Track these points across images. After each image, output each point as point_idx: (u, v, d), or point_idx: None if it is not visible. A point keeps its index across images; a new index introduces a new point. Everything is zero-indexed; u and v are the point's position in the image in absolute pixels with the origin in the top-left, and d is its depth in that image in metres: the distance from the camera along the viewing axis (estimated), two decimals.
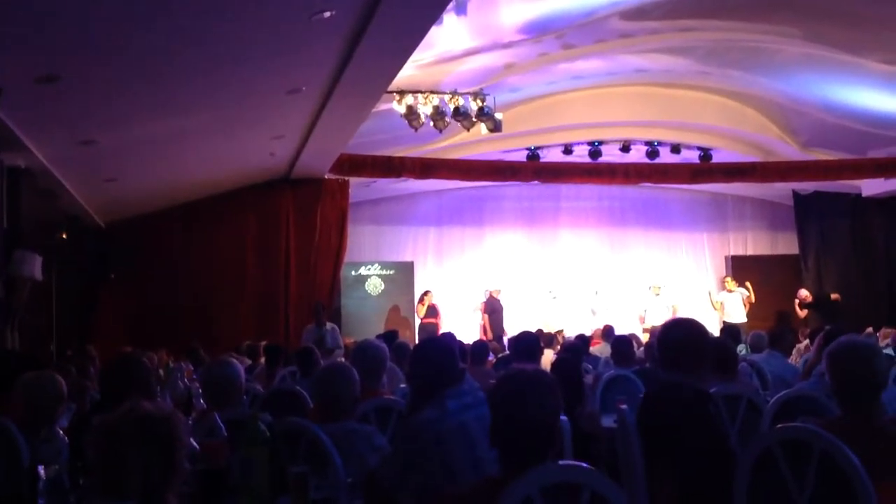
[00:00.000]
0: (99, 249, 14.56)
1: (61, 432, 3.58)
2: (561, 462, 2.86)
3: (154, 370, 9.59)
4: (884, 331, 13.19)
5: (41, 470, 3.14)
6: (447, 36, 10.73)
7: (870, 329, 12.38)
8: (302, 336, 12.66)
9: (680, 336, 3.92)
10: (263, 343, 10.72)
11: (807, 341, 11.13)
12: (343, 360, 7.89)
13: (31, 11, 5.97)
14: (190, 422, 4.05)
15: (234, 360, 4.91)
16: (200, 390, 5.12)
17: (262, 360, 9.87)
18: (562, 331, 15.81)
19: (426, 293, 17.26)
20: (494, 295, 17.46)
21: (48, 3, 5.92)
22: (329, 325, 12.85)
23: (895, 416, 3.95)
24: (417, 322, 17.13)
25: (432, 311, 17.02)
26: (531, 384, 2.88)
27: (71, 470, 3.25)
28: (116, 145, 10.10)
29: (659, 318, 16.76)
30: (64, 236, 12.47)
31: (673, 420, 3.68)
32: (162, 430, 2.60)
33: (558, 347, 11.04)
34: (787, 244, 19.98)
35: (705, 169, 16.68)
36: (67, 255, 12.60)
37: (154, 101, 8.81)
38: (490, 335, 16.22)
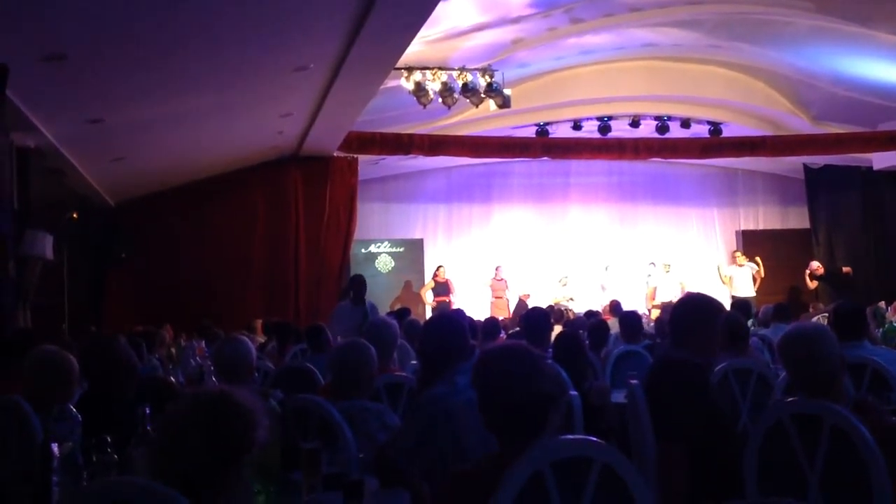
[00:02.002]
0: (109, 229, 14.58)
1: (74, 410, 3.60)
2: (571, 436, 2.87)
3: (166, 346, 9.67)
4: (895, 304, 13.16)
5: (55, 448, 3.16)
6: (455, 11, 10.68)
7: (881, 303, 12.33)
8: (334, 315, 10.68)
9: (689, 312, 3.89)
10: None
11: (819, 316, 11.12)
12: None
13: None
14: None
15: (245, 338, 4.93)
16: (212, 368, 5.14)
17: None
18: (571, 309, 15.81)
19: (438, 268, 17.26)
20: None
21: None
22: (369, 303, 10.54)
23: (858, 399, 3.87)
24: (428, 297, 17.10)
25: (444, 288, 16.99)
26: (509, 361, 2.87)
27: (84, 448, 3.27)
28: (124, 124, 10.11)
29: (669, 294, 16.77)
30: (74, 216, 12.49)
31: (674, 395, 3.68)
32: (237, 426, 2.42)
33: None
34: (798, 218, 19.93)
35: (715, 143, 16.61)
36: (78, 234, 12.63)
37: (161, 79, 8.80)
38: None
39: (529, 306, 16.88)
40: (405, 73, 12.06)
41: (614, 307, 12.26)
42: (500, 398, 2.83)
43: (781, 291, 14.77)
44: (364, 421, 3.95)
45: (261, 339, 10.85)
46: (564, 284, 17.75)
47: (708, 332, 3.82)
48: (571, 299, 17.15)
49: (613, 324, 11.03)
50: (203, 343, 9.39)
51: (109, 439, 3.21)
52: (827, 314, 9.67)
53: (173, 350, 9.54)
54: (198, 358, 7.82)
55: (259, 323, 11.97)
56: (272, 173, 15.14)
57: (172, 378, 6.68)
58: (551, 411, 2.88)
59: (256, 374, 5.67)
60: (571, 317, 13.07)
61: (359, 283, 10.68)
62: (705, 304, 3.95)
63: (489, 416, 2.88)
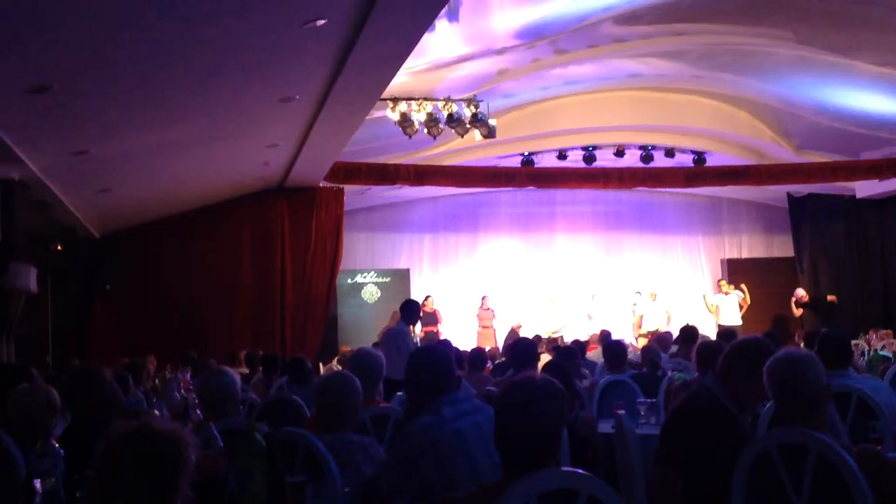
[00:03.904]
0: (94, 260, 14.53)
1: (56, 445, 3.56)
2: (558, 468, 2.85)
3: (151, 379, 9.60)
4: (880, 332, 13.22)
5: (37, 483, 3.13)
6: (440, 42, 10.74)
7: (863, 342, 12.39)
8: (393, 338, 9.44)
9: (744, 357, 3.86)
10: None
11: (802, 343, 11.13)
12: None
13: (22, 21, 5.96)
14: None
15: (230, 370, 4.90)
16: (197, 401, 5.10)
17: (260, 369, 9.86)
18: (561, 337, 15.79)
19: (426, 298, 17.20)
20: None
21: (39, 13, 5.91)
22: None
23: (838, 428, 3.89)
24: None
25: (432, 318, 16.92)
26: (539, 392, 2.87)
27: (67, 483, 3.24)
28: (109, 156, 10.09)
29: (655, 323, 16.79)
30: (59, 248, 12.44)
31: (688, 426, 3.67)
32: (166, 452, 2.49)
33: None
34: (782, 247, 20.01)
35: (699, 172, 16.71)
36: (62, 266, 12.57)
37: (146, 110, 8.81)
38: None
39: (520, 334, 16.88)
40: (391, 104, 12.10)
41: (604, 337, 12.23)
42: (523, 428, 2.83)
43: (767, 319, 14.75)
44: (349, 454, 3.92)
45: (244, 370, 10.78)
46: (552, 301, 17.67)
47: (756, 380, 3.77)
48: (559, 332, 17.06)
49: (601, 353, 11.01)
50: (188, 375, 9.34)
51: None
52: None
53: (157, 382, 9.48)
54: (182, 391, 7.78)
55: (242, 354, 11.90)
56: (258, 204, 15.14)
57: (157, 411, 6.64)
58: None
59: (241, 407, 5.63)
60: (561, 345, 13.03)
61: (415, 309, 10.22)
62: (753, 346, 3.92)
63: (506, 444, 2.87)
